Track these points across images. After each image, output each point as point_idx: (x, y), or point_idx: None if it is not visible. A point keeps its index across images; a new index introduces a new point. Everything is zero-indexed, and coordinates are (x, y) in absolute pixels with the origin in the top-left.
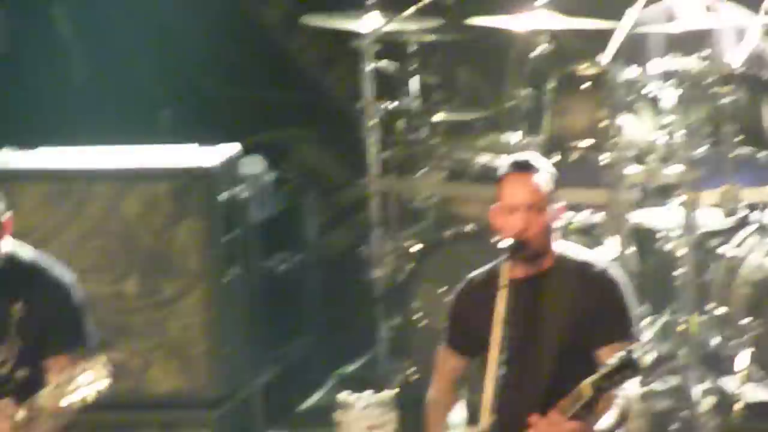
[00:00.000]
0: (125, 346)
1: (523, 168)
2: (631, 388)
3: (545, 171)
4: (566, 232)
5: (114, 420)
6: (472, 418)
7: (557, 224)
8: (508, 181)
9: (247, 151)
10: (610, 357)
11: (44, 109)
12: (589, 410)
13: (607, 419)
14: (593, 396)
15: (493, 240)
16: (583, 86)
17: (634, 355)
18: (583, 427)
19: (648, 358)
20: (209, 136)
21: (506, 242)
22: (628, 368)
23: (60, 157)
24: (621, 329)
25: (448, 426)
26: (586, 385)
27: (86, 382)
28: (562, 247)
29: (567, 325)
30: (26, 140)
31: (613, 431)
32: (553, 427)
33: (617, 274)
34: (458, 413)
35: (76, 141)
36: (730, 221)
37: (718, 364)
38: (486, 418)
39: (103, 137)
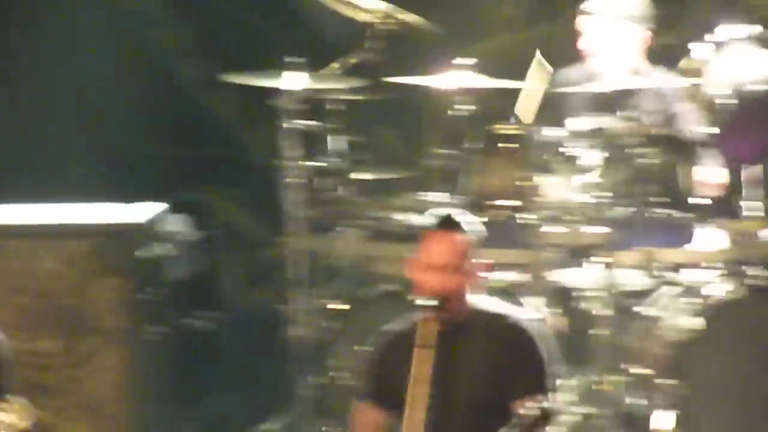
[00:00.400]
0: (41, 404)
1: (447, 226)
2: None
3: (471, 229)
4: (487, 292)
5: None
6: None
7: (477, 282)
8: (430, 238)
9: (168, 209)
10: (517, 417)
11: None
12: None
13: None
14: None
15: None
16: (502, 146)
17: (548, 407)
18: None
19: (561, 410)
20: (126, 194)
21: (425, 300)
22: (543, 419)
23: None
24: (537, 382)
25: None
26: None
27: (6, 422)
28: (476, 300)
29: (483, 378)
30: None
31: None
32: None
33: (532, 326)
34: None
35: None
36: (647, 282)
37: (635, 423)
38: None
39: (15, 193)
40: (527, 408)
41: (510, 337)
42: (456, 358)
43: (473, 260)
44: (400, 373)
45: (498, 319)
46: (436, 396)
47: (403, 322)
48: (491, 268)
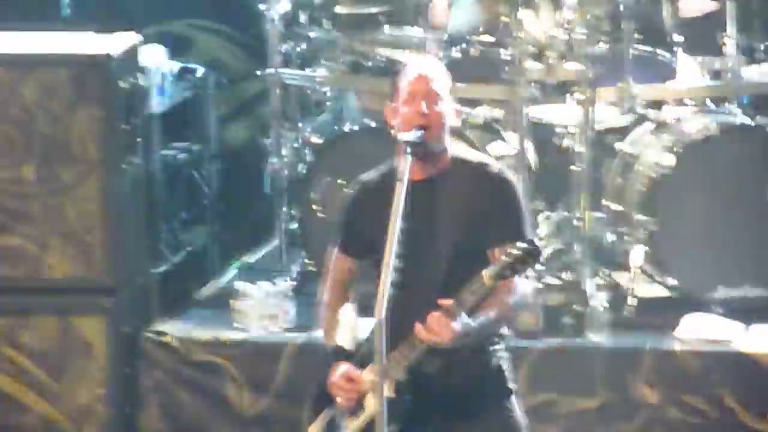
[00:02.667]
0: (22, 231)
1: (424, 65)
2: (526, 284)
3: (443, 71)
4: (465, 127)
5: (10, 304)
6: (365, 314)
7: (454, 123)
8: (409, 74)
9: (149, 40)
10: (503, 255)
11: None
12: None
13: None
14: (494, 286)
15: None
16: None
17: (535, 244)
18: (467, 329)
19: (545, 251)
20: (112, 24)
21: (408, 135)
22: (529, 256)
23: None
24: (515, 230)
25: (339, 324)
26: (487, 275)
27: None
28: (457, 149)
29: (461, 225)
30: None
31: (489, 329)
32: (439, 326)
33: (511, 176)
34: (348, 312)
35: None
36: (626, 119)
37: (611, 259)
38: (378, 314)
39: (3, 23)
40: (510, 249)
41: (491, 186)
42: (436, 204)
43: (449, 99)
44: (377, 220)
45: (479, 167)
46: (414, 238)
47: (380, 170)
48: (466, 104)
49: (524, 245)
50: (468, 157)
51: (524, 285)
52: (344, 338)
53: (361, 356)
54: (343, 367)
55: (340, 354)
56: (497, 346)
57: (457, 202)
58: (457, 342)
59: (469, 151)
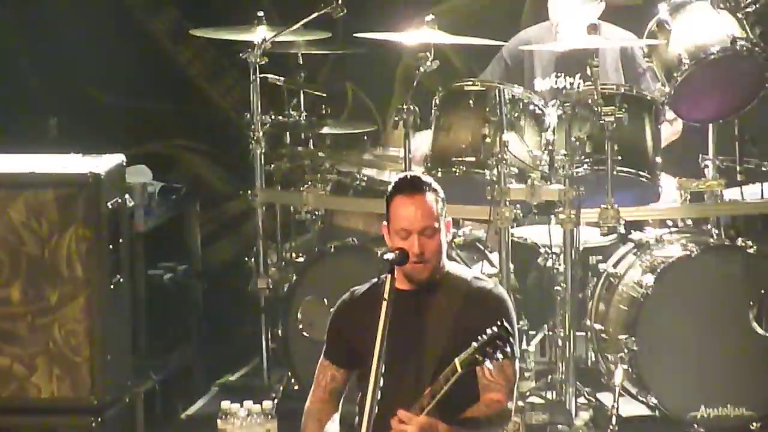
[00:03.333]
0: (9, 352)
1: (414, 189)
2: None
3: (433, 189)
4: (449, 247)
5: None
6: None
7: (448, 239)
8: (401, 204)
9: (134, 161)
10: (490, 376)
11: None
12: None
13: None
14: (463, 372)
15: (376, 251)
16: (467, 102)
17: (504, 326)
18: (433, 422)
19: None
20: (96, 146)
21: (390, 254)
22: (498, 338)
23: None
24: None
25: None
26: (458, 361)
27: None
28: (447, 263)
29: (448, 340)
30: None
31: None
32: (403, 425)
33: (501, 292)
34: (333, 425)
35: None
36: (609, 239)
37: (594, 379)
38: (365, 424)
39: None
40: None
41: (480, 302)
42: (424, 317)
43: (443, 219)
44: (365, 331)
45: (470, 283)
46: (399, 351)
47: (372, 283)
48: (451, 226)
49: (494, 329)
50: (458, 271)
51: (499, 405)
52: None
53: None
54: None
55: None
56: None
57: (444, 317)
58: None
59: (459, 266)
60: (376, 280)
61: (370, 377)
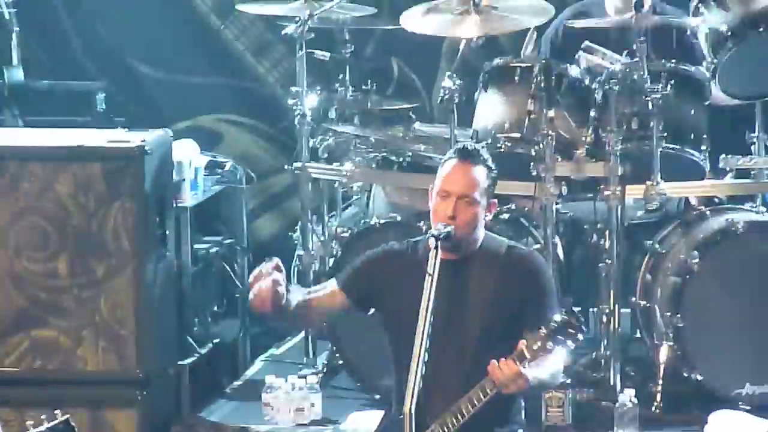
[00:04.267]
0: (56, 324)
1: (467, 158)
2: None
3: (488, 165)
4: (495, 223)
5: (43, 396)
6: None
7: (488, 218)
8: (450, 168)
9: (180, 135)
10: (531, 341)
11: None
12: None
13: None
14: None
15: (422, 227)
16: (513, 78)
17: (573, 315)
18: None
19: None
20: (144, 120)
21: (437, 230)
22: (571, 326)
23: None
24: (543, 317)
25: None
26: (523, 349)
27: None
28: (486, 235)
29: (488, 310)
30: None
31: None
32: (510, 370)
33: (540, 261)
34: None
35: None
36: (655, 215)
37: (639, 355)
38: (409, 398)
39: (38, 118)
40: (559, 315)
41: (520, 271)
42: (463, 288)
43: (489, 195)
44: (395, 288)
45: (508, 253)
46: (440, 322)
47: (410, 243)
48: (496, 207)
49: (565, 315)
50: (497, 241)
51: (560, 359)
52: None
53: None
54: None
55: None
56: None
57: (483, 288)
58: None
59: (496, 236)
60: (414, 240)
61: (415, 351)
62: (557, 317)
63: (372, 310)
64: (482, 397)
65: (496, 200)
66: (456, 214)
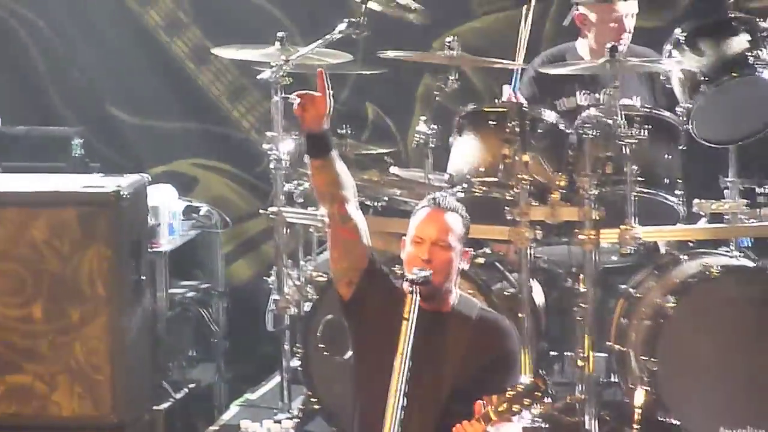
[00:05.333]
0: (31, 369)
1: (440, 205)
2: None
3: (461, 214)
4: (470, 267)
5: None
6: None
7: (462, 266)
8: (423, 215)
9: (157, 179)
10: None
11: None
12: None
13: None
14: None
15: (397, 271)
16: (488, 122)
17: (540, 379)
18: None
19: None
20: (119, 165)
21: (414, 275)
22: (538, 389)
23: None
24: (509, 381)
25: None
26: (489, 412)
27: None
28: (461, 296)
29: (460, 368)
30: None
31: None
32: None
33: (508, 327)
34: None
35: None
36: (629, 260)
37: (614, 400)
38: None
39: (14, 164)
40: (525, 379)
41: (487, 333)
42: (437, 342)
43: (463, 242)
44: (379, 311)
45: (477, 315)
46: (414, 375)
47: (393, 283)
48: (470, 255)
49: (532, 379)
50: (470, 303)
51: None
52: None
53: None
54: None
55: None
56: None
57: (458, 346)
58: None
59: (470, 299)
60: (396, 282)
61: (391, 395)
62: (525, 380)
63: (351, 317)
64: None
65: (471, 249)
66: (431, 258)
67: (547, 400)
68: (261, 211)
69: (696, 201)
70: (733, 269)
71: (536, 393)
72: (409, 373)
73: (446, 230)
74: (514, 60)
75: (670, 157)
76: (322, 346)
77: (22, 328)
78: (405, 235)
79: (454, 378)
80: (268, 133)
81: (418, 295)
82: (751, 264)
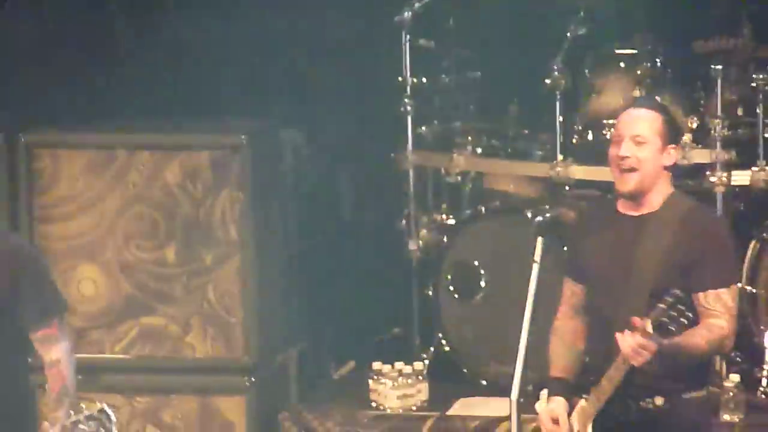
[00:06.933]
0: (165, 312)
1: (646, 102)
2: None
3: (663, 111)
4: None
5: (152, 383)
6: None
7: (668, 164)
8: (626, 111)
9: (286, 123)
10: (707, 302)
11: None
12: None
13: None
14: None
15: (528, 214)
16: (619, 65)
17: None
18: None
19: None
20: (248, 109)
21: (538, 218)
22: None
23: (104, 126)
24: (721, 277)
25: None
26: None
27: None
28: (673, 192)
29: (665, 266)
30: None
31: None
32: (633, 341)
33: (723, 223)
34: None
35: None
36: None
37: (745, 340)
38: (516, 387)
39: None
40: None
41: (702, 231)
42: (643, 242)
43: (665, 140)
44: (592, 247)
45: (692, 211)
46: (617, 275)
47: (600, 201)
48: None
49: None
50: (682, 200)
51: (720, 331)
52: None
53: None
54: (552, 405)
55: (557, 384)
56: (693, 393)
57: (663, 244)
58: (654, 361)
59: (683, 195)
60: (605, 198)
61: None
62: (678, 293)
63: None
64: (619, 369)
65: (674, 148)
66: (628, 154)
67: (683, 320)
68: (391, 154)
69: None
70: None
71: (679, 307)
72: (615, 277)
73: (643, 125)
74: None
75: None
76: (452, 289)
77: (156, 271)
78: (533, 178)
79: (657, 275)
80: (399, 77)
81: (624, 200)
82: None
